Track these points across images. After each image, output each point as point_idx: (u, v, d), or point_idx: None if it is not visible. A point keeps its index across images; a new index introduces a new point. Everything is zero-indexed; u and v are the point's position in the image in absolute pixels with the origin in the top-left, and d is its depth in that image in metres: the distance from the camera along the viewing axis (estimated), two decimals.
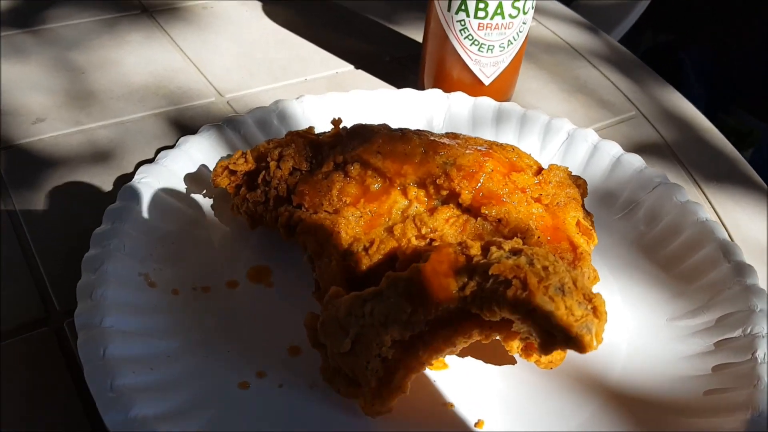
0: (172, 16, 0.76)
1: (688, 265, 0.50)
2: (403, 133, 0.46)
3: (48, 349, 0.42)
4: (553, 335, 0.35)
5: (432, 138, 0.46)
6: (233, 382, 0.41)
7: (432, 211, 0.44)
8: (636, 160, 0.58)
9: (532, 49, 0.79)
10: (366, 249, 0.43)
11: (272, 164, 0.47)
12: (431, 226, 0.43)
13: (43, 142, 0.57)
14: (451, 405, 0.41)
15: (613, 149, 0.59)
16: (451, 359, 0.43)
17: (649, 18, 1.31)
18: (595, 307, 0.36)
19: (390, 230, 0.44)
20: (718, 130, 0.71)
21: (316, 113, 0.60)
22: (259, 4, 0.80)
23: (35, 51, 0.68)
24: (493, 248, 0.39)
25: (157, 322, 0.42)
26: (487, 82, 0.65)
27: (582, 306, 0.36)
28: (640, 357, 0.45)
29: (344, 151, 0.46)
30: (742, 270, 0.48)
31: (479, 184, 0.44)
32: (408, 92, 0.63)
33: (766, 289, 0.47)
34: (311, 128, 0.51)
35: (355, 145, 0.46)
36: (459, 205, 0.44)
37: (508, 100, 0.68)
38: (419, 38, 0.78)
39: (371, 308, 0.38)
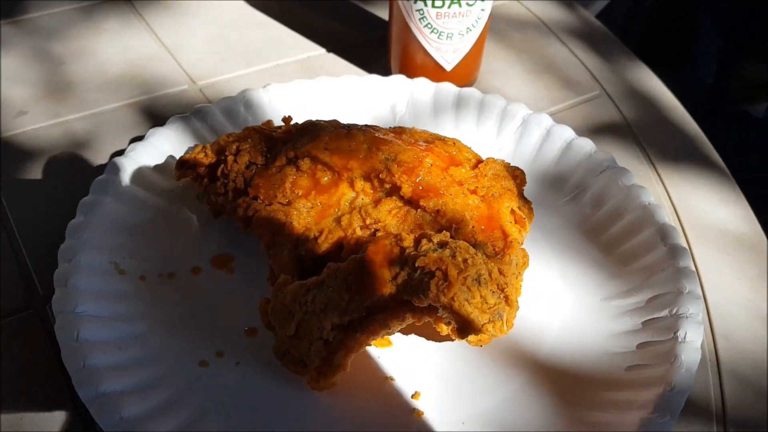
0: (149, 1, 0.79)
1: (627, 248, 0.54)
2: (349, 130, 0.49)
3: (33, 330, 0.47)
4: (470, 320, 0.39)
5: (376, 134, 0.49)
6: (194, 361, 0.45)
7: (377, 202, 0.47)
8: (587, 144, 0.61)
9: (502, 27, 0.81)
10: (316, 238, 0.47)
11: (230, 158, 0.51)
12: (375, 217, 0.47)
13: (25, 135, 0.61)
14: (392, 379, 0.45)
15: (565, 134, 0.62)
16: (394, 337, 0.47)
17: None
18: (507, 296, 0.40)
19: (338, 220, 0.47)
20: (683, 108, 0.74)
21: (282, 101, 0.63)
22: None
23: (17, 42, 0.71)
24: (424, 240, 0.42)
25: (126, 307, 0.47)
26: (448, 67, 0.68)
27: (495, 295, 0.39)
28: (571, 334, 0.49)
29: (295, 146, 0.49)
30: (676, 253, 0.51)
31: (419, 178, 0.47)
32: (372, 79, 0.66)
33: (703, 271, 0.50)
34: (269, 122, 0.54)
35: (305, 142, 0.49)
36: (401, 198, 0.47)
37: (471, 83, 0.71)
38: None
39: (313, 296, 0.42)
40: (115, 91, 0.66)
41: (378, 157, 0.48)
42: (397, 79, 0.66)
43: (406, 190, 0.47)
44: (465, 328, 0.39)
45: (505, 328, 0.40)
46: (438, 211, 0.47)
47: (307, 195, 0.48)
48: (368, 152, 0.48)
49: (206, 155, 0.51)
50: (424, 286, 0.40)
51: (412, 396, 0.45)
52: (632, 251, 0.53)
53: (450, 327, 0.43)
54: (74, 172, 0.58)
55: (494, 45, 0.78)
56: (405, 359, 0.47)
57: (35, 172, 0.58)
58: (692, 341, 0.45)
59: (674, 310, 0.48)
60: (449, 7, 0.63)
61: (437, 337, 0.48)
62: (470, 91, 0.65)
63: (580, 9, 0.89)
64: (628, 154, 0.67)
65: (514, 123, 0.63)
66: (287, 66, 0.73)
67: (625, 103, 0.74)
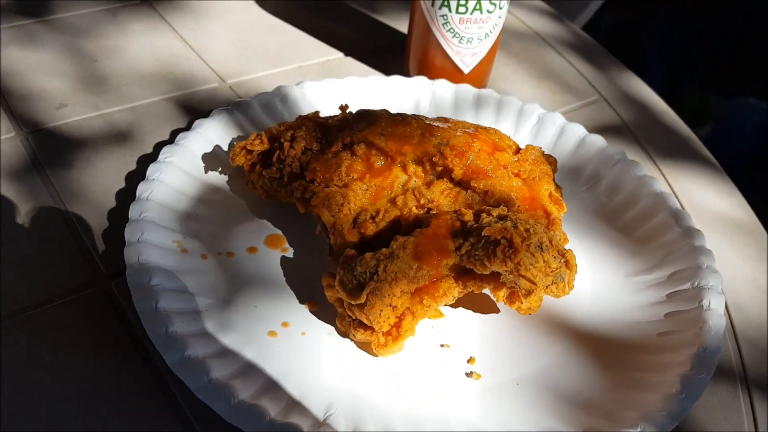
0: (170, 5, 0.81)
1: (644, 230, 0.59)
2: (403, 118, 0.53)
3: (100, 305, 0.49)
4: (535, 283, 0.43)
5: (427, 122, 0.53)
6: (263, 331, 0.47)
7: (429, 184, 0.51)
8: (598, 140, 0.66)
9: (504, 38, 0.87)
10: (373, 217, 0.50)
11: (286, 144, 0.54)
12: (429, 197, 0.50)
13: (68, 126, 0.63)
14: (448, 346, 0.49)
15: (578, 131, 0.67)
16: (446, 309, 0.51)
17: None
18: (567, 261, 0.44)
19: (393, 201, 0.51)
20: (673, 111, 0.80)
21: (315, 98, 0.66)
22: None
23: (48, 39, 0.72)
24: (483, 215, 0.46)
25: (192, 282, 0.49)
26: (466, 70, 0.72)
27: (557, 260, 0.43)
28: (602, 306, 0.53)
29: (351, 132, 0.53)
30: (691, 233, 0.56)
31: (469, 162, 0.51)
32: (397, 79, 0.70)
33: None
34: (317, 112, 0.58)
35: (361, 128, 0.53)
36: (451, 180, 0.51)
37: (485, 86, 0.76)
38: (399, 27, 0.84)
39: (384, 266, 0.45)
40: (150, 86, 0.69)
41: (431, 142, 0.51)
42: (420, 80, 0.70)
43: (458, 172, 0.51)
44: (531, 290, 0.43)
45: (567, 289, 0.44)
46: (487, 191, 0.50)
47: (362, 178, 0.52)
48: (422, 137, 0.52)
49: (261, 142, 0.54)
50: (490, 253, 0.43)
51: (468, 361, 0.48)
52: (649, 233, 0.58)
53: (505, 295, 0.47)
54: (120, 160, 0.60)
55: (499, 53, 0.83)
56: (457, 329, 0.50)
57: (82, 159, 0.60)
58: (716, 308, 0.50)
59: (696, 283, 0.53)
60: (471, 13, 0.68)
61: (484, 309, 0.51)
62: (488, 92, 0.70)
63: (569, 23, 0.95)
64: (630, 151, 0.72)
65: (530, 121, 0.68)
66: (309, 68, 0.76)
67: (622, 107, 0.79)
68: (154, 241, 0.49)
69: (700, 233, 0.56)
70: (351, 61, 0.78)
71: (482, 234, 0.44)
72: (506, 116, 0.68)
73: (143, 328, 0.45)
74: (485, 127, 0.55)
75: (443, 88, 0.70)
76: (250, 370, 0.44)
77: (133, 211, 0.51)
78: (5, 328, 0.47)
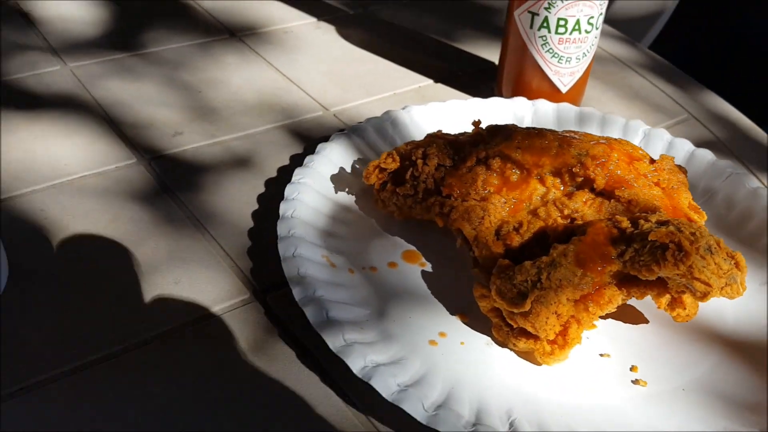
0: (258, 39, 0.83)
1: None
2: (539, 131, 0.54)
3: (260, 319, 0.50)
4: (710, 285, 0.43)
5: (561, 134, 0.54)
6: (425, 340, 0.48)
7: (569, 195, 0.51)
8: (707, 154, 0.66)
9: None
10: (516, 229, 0.50)
11: (419, 162, 0.54)
12: (572, 207, 0.50)
13: (187, 152, 0.64)
14: (608, 355, 0.48)
15: (686, 145, 0.67)
16: (598, 320, 0.50)
17: None
18: (737, 262, 0.43)
19: (534, 213, 0.51)
20: (760, 129, 0.80)
21: (422, 120, 0.67)
22: (332, 27, 0.87)
23: (147, 72, 0.74)
24: (641, 221, 0.46)
25: (347, 294, 0.49)
26: (564, 90, 0.73)
27: (727, 261, 0.43)
28: (746, 312, 0.52)
29: (487, 147, 0.53)
30: None
31: (609, 171, 0.51)
32: (498, 100, 0.70)
33: None
34: (440, 131, 0.58)
35: (497, 142, 0.53)
36: (592, 190, 0.51)
37: (580, 106, 0.76)
38: (481, 54, 0.86)
39: (547, 274, 0.45)
40: (259, 115, 0.70)
41: (570, 153, 0.52)
42: (519, 100, 0.71)
43: (600, 182, 0.51)
44: (706, 292, 0.43)
45: (741, 290, 0.44)
46: (630, 201, 0.50)
47: (499, 191, 0.52)
48: (560, 149, 0.52)
49: (394, 160, 0.55)
50: (659, 257, 0.43)
51: (631, 369, 0.48)
52: None
53: (667, 301, 0.47)
54: (246, 184, 0.61)
55: None
56: (613, 339, 0.50)
57: (210, 182, 0.61)
58: None
59: None
60: (570, 33, 0.69)
61: (633, 320, 0.51)
62: (589, 110, 0.71)
63: (641, 46, 0.96)
64: None
65: (637, 137, 0.68)
66: (404, 95, 0.77)
67: (712, 123, 0.80)
68: (306, 255, 0.50)
69: None
70: (442, 87, 0.79)
71: (648, 239, 0.44)
72: (612, 132, 0.69)
73: (310, 338, 0.45)
74: (616, 139, 0.55)
75: (544, 106, 0.71)
76: (425, 377, 0.44)
77: (281, 228, 0.52)
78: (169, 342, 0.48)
